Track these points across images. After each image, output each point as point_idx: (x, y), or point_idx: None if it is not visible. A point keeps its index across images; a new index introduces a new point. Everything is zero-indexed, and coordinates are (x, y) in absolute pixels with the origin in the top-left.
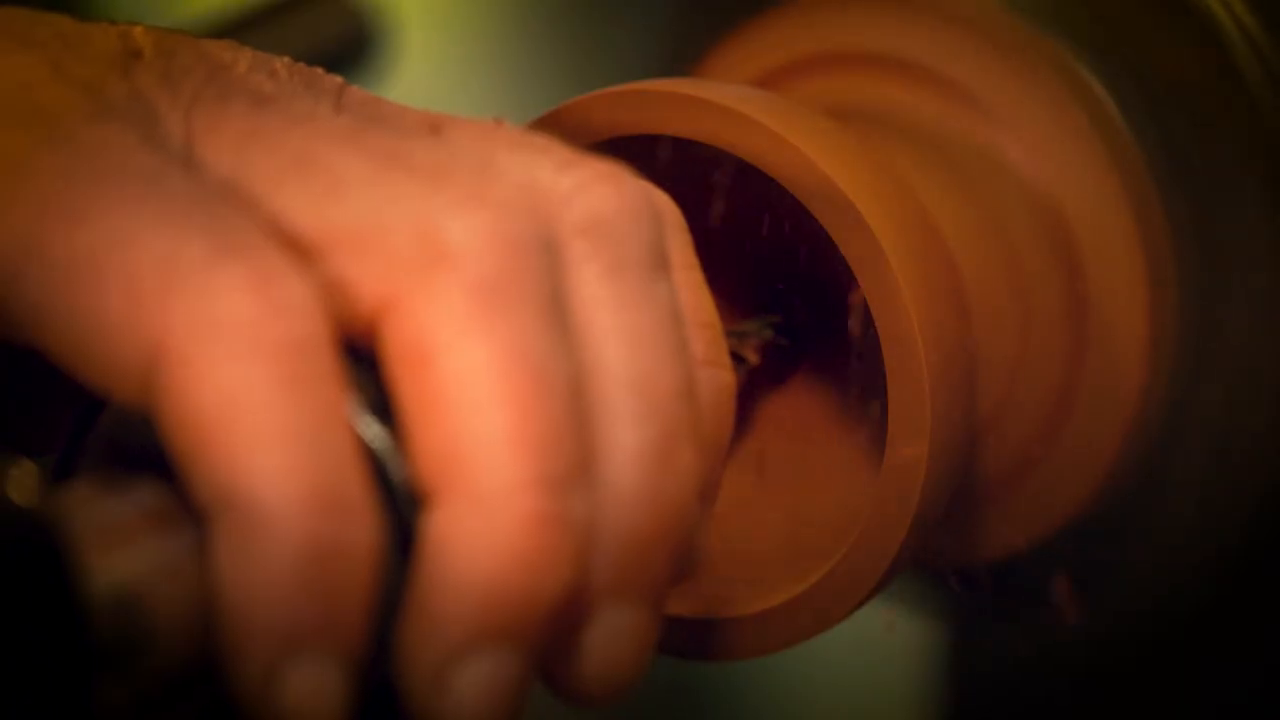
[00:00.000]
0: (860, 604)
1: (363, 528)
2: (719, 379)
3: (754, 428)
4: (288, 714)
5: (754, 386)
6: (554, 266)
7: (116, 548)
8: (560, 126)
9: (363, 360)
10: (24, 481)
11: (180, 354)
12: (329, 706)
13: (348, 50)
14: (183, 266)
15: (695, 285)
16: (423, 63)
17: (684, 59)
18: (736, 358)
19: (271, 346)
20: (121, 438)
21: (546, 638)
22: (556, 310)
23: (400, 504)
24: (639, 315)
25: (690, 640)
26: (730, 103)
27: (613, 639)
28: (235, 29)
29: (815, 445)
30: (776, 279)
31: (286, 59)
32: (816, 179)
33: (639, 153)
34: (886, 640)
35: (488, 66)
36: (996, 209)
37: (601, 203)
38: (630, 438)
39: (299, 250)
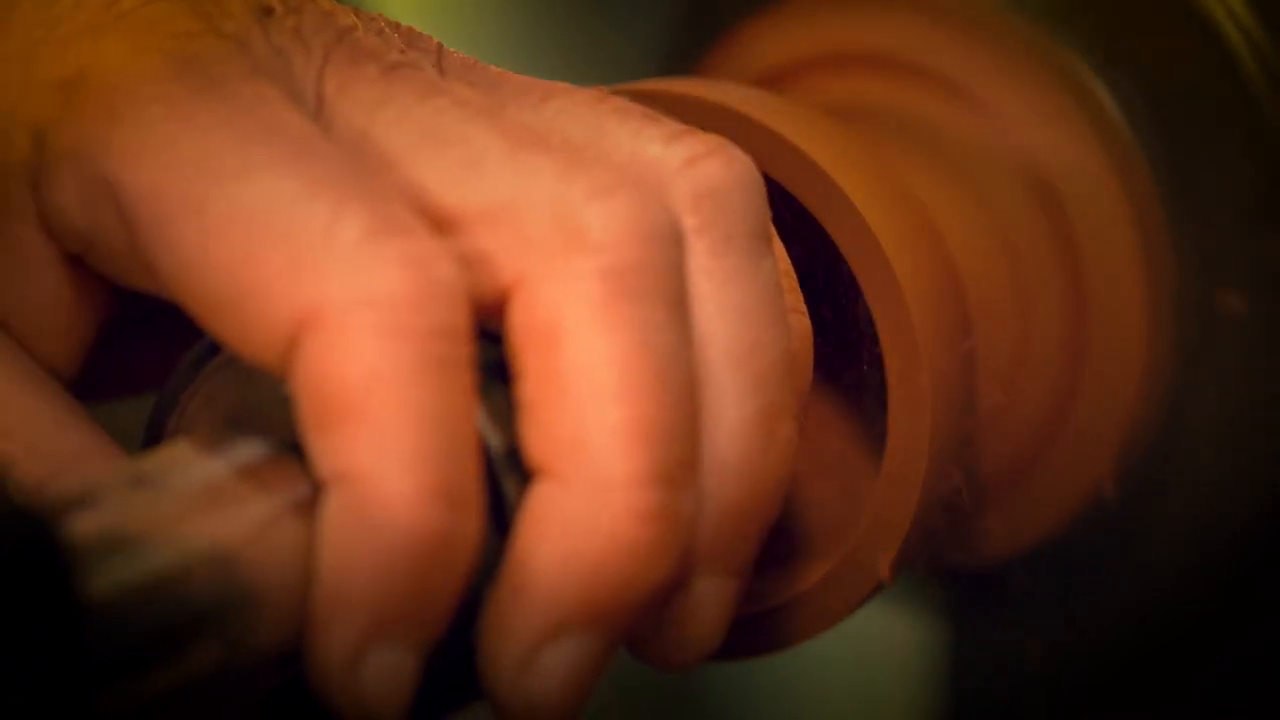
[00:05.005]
0: (860, 604)
1: (472, 523)
2: (803, 326)
3: None
4: (363, 695)
5: None
6: (680, 254)
7: (214, 508)
8: None
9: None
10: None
11: (328, 324)
12: (402, 692)
13: None
14: (344, 237)
15: (781, 249)
16: None
17: (684, 59)
18: None
19: (421, 329)
20: (226, 396)
21: (639, 622)
22: (682, 299)
23: (498, 474)
24: (747, 290)
25: None
26: (730, 103)
27: (701, 608)
28: None
29: (815, 445)
30: None
31: (384, 16)
32: (817, 179)
33: None
34: (886, 640)
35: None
36: (996, 208)
37: (712, 176)
38: (736, 413)
39: (435, 223)
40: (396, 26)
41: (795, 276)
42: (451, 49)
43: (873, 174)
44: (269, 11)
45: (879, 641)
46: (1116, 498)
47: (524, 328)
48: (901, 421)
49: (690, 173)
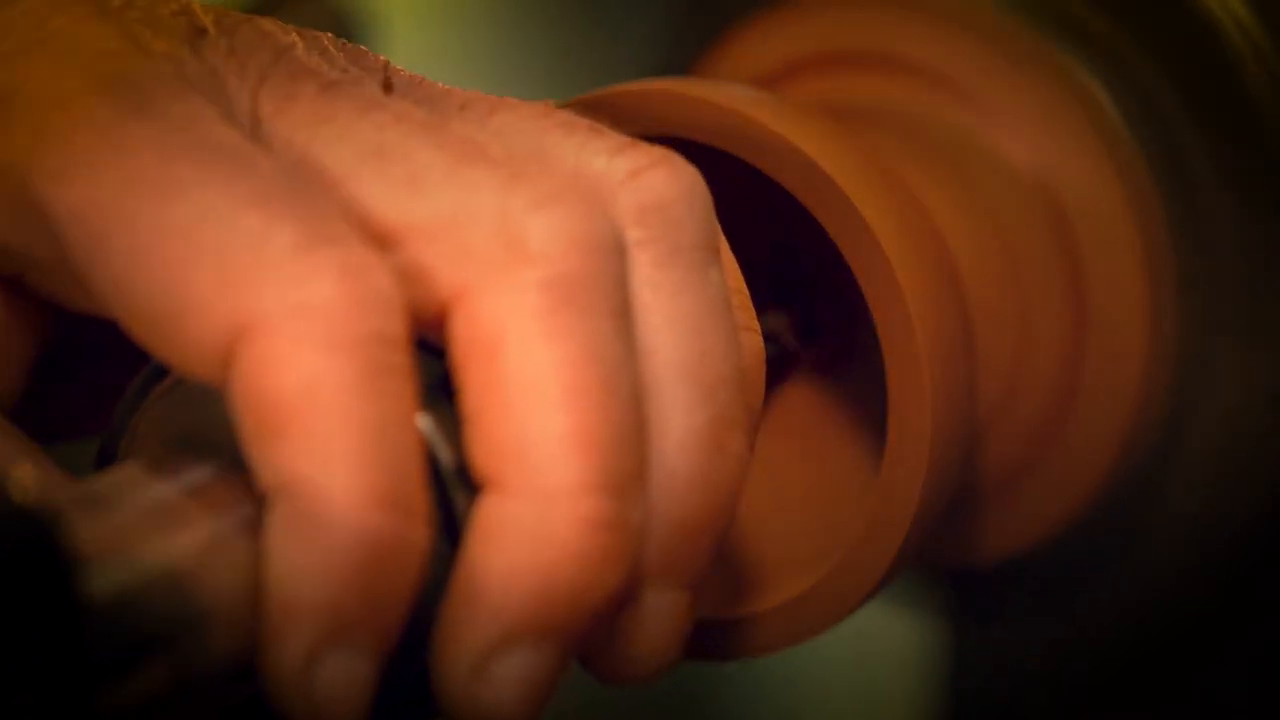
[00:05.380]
0: (860, 604)
1: (418, 527)
2: (754, 343)
3: None
4: (318, 703)
5: None
6: (624, 265)
7: (163, 528)
8: None
9: (419, 343)
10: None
11: (263, 336)
12: (358, 698)
13: None
14: (275, 249)
15: (732, 260)
16: (411, 63)
17: (684, 59)
18: (771, 338)
19: (353, 338)
20: (177, 413)
21: (590, 633)
22: (625, 310)
23: (447, 488)
24: (694, 301)
25: (690, 640)
26: (730, 103)
27: (653, 622)
28: None
29: (815, 445)
30: (776, 280)
31: (331, 35)
32: (817, 179)
33: None
34: (886, 640)
35: (480, 67)
36: (996, 209)
37: (657, 188)
38: (684, 424)
39: (377, 239)
40: (342, 45)
41: (748, 294)
42: (399, 66)
43: (873, 174)
44: (202, 32)
45: (879, 641)
46: (1116, 498)
47: (466, 340)
48: (901, 421)
49: (635, 185)
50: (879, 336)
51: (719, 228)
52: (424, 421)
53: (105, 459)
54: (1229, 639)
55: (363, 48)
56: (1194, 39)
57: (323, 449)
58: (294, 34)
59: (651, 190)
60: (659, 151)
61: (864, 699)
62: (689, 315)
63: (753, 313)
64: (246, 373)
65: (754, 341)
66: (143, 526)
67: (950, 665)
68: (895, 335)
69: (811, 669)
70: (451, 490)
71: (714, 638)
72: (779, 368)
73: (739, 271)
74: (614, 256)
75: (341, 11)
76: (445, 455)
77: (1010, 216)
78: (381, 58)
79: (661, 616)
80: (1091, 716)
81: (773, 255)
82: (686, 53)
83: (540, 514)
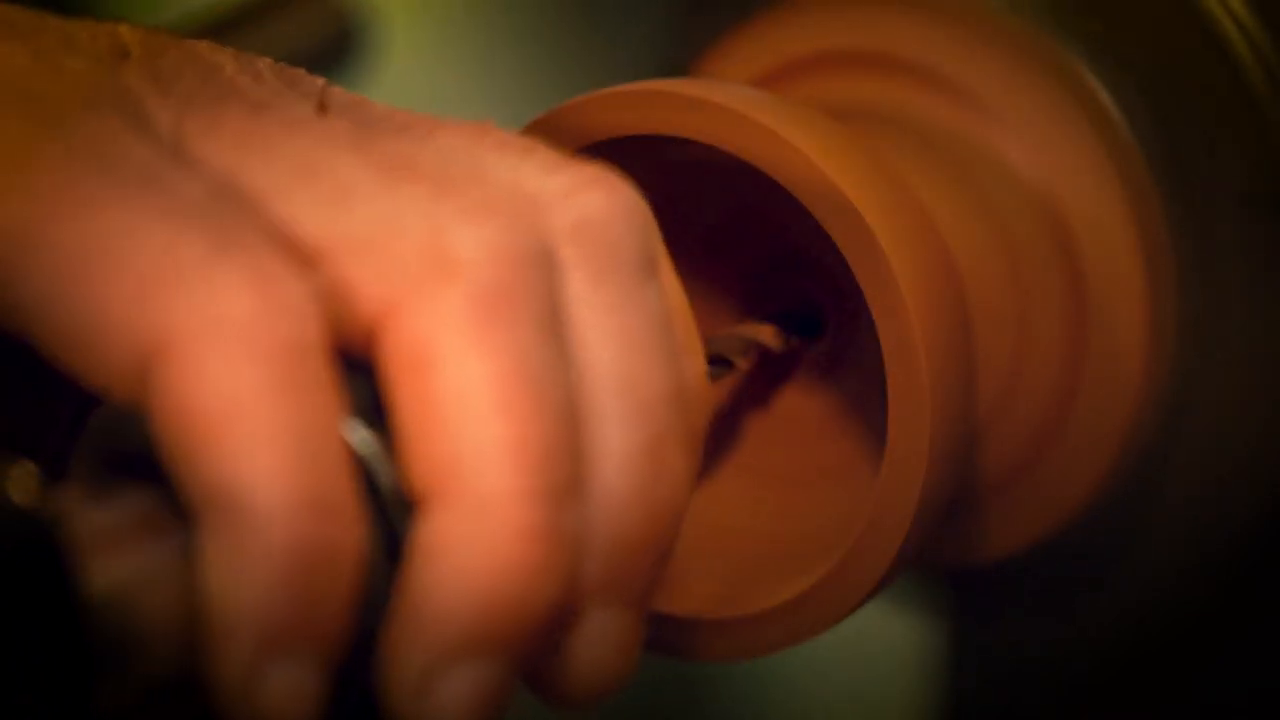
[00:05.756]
0: (860, 604)
1: (349, 531)
2: (695, 363)
3: (755, 428)
4: (265, 714)
5: (754, 387)
6: (552, 277)
7: (104, 554)
8: (560, 126)
9: (355, 366)
10: (24, 481)
11: (177, 351)
12: (305, 708)
13: (334, 49)
14: (183, 263)
15: (672, 278)
16: (412, 62)
17: (684, 59)
18: (725, 361)
19: (267, 348)
20: (112, 439)
21: (533, 647)
22: (554, 322)
23: (389, 509)
24: (629, 319)
25: (690, 640)
26: (730, 103)
27: (598, 642)
28: (222, 27)
29: (815, 446)
30: (776, 280)
31: (268, 60)
32: (817, 179)
33: (639, 153)
34: (886, 640)
35: (479, 66)
36: (996, 209)
37: (591, 207)
38: (621, 442)
39: (303, 256)
40: (278, 69)
41: (690, 314)
42: (335, 87)
43: (873, 174)
44: (125, 54)
45: (879, 641)
46: (1116, 498)
47: (395, 355)
48: (901, 422)
49: (570, 203)
50: (879, 337)
51: (661, 247)
52: (361, 442)
53: (50, 479)
54: (1229, 639)
55: (300, 71)
56: (1194, 39)
57: (244, 459)
58: (226, 56)
59: (586, 208)
60: (595, 170)
61: (864, 699)
62: (624, 333)
63: (694, 335)
64: (163, 390)
65: (695, 361)
66: (80, 554)
67: (950, 665)
68: (894, 335)
69: (811, 669)
70: (392, 509)
71: (714, 638)
72: (777, 369)
73: (682, 291)
74: (543, 271)
75: (342, 11)
76: (385, 474)
77: (1010, 216)
78: (319, 81)
79: (606, 636)
80: (1091, 716)
81: (772, 255)
82: (686, 53)
83: (475, 526)
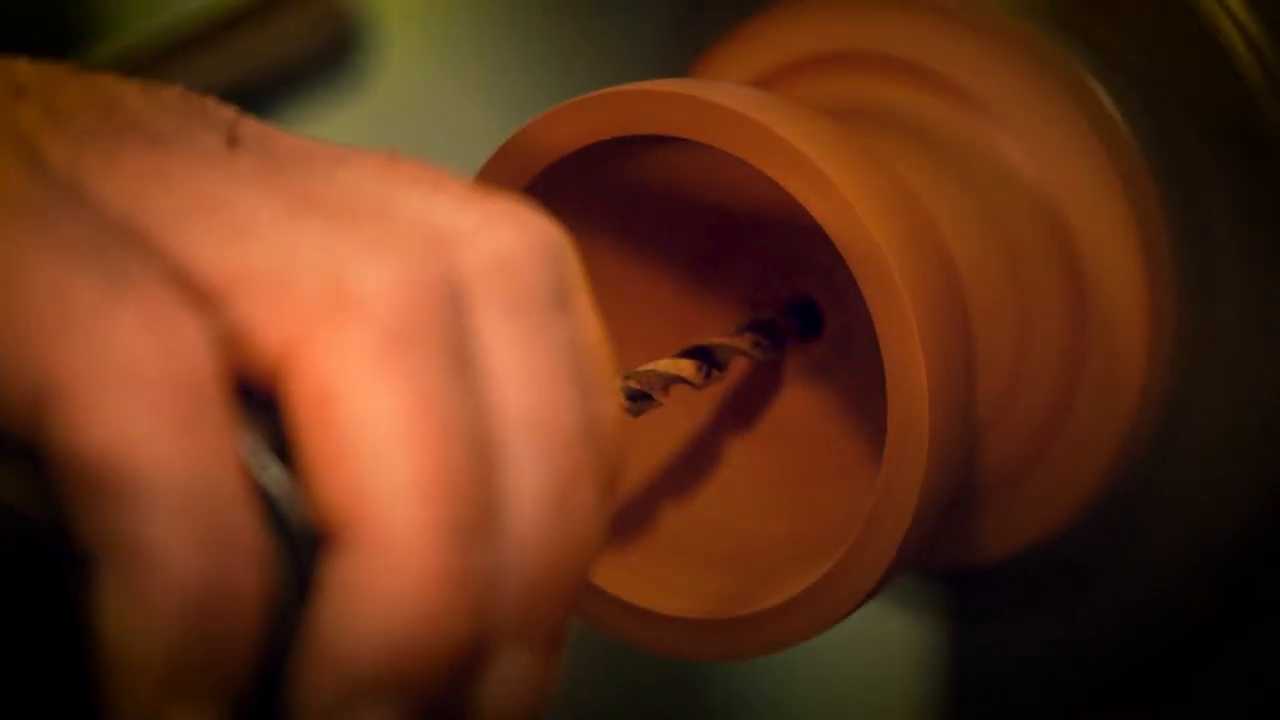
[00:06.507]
0: (860, 604)
1: (250, 571)
2: (609, 401)
3: (754, 429)
4: None
5: (753, 387)
6: (459, 312)
7: None
8: (560, 126)
9: (261, 405)
10: (21, 482)
11: (68, 395)
12: None
13: (333, 49)
14: (74, 304)
15: (588, 314)
16: (412, 63)
17: (684, 59)
18: (645, 396)
19: (160, 387)
20: (14, 487)
21: (442, 687)
22: (462, 357)
23: (296, 548)
24: (539, 356)
25: (690, 640)
26: (730, 103)
27: (511, 683)
28: (222, 27)
29: (815, 446)
30: (776, 280)
31: (177, 89)
32: (816, 180)
33: (639, 153)
34: (886, 640)
35: (479, 67)
36: (996, 209)
37: (501, 242)
38: (532, 479)
39: (202, 293)
40: (187, 98)
41: (608, 350)
42: (247, 117)
43: (872, 174)
44: (20, 90)
45: (879, 641)
46: (1116, 498)
47: (300, 392)
48: (901, 422)
49: (479, 239)
50: (879, 336)
51: (578, 281)
52: (270, 480)
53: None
54: (1229, 639)
55: (210, 101)
56: (1194, 40)
57: (134, 505)
58: (130, 89)
59: (496, 244)
60: (508, 205)
61: (864, 699)
62: (534, 369)
63: (611, 368)
64: (54, 432)
65: (609, 397)
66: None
67: (950, 665)
68: (894, 336)
69: (811, 669)
70: (302, 547)
71: (714, 638)
72: (777, 370)
73: (599, 327)
74: (450, 305)
75: (341, 11)
76: (294, 512)
77: (1010, 217)
78: (229, 112)
79: (519, 676)
80: (1091, 716)
81: (771, 256)
82: (686, 53)
83: (381, 564)
